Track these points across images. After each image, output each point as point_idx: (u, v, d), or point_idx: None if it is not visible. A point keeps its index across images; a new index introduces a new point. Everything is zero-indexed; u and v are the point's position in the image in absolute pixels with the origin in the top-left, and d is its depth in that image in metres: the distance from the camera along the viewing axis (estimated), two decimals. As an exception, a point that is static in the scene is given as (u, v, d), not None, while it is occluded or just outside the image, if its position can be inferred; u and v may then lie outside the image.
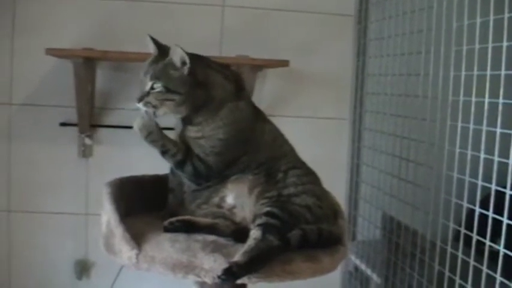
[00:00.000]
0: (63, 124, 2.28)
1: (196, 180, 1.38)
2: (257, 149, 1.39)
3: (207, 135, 1.35)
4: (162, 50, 1.36)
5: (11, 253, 2.34)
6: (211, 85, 1.35)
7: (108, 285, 2.24)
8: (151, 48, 1.38)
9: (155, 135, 1.34)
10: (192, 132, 1.36)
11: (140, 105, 1.32)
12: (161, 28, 2.24)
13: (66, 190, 2.34)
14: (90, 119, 2.27)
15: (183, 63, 1.30)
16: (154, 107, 1.32)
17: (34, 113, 2.28)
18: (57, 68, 2.24)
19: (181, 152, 1.35)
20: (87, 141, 2.30)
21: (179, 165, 1.36)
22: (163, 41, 1.40)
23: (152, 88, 1.31)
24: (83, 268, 2.36)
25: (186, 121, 1.37)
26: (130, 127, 2.17)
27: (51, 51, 2.01)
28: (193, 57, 1.32)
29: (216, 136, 1.35)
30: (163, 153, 1.35)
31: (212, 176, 1.37)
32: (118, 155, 2.32)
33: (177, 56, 1.30)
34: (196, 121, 1.35)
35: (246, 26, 2.36)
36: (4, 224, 2.32)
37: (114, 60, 2.25)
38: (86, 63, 2.13)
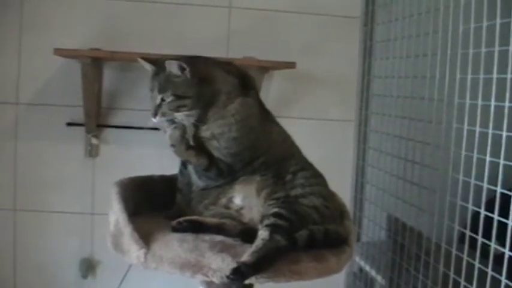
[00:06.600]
0: (70, 124, 2.29)
1: (221, 179, 1.40)
2: (267, 150, 1.40)
3: (216, 133, 1.35)
4: (158, 64, 1.37)
5: (17, 252, 2.34)
6: (213, 79, 1.35)
7: (114, 284, 2.24)
8: (147, 67, 1.39)
9: (178, 149, 1.37)
10: (202, 132, 1.36)
11: (156, 119, 1.34)
12: (168, 29, 2.25)
13: (73, 189, 2.34)
14: (97, 119, 2.28)
15: (182, 69, 1.31)
16: (168, 115, 1.33)
17: (41, 112, 2.29)
18: (64, 67, 2.25)
19: (205, 160, 1.37)
20: (94, 141, 2.30)
21: (206, 171, 1.39)
22: (170, 42, 1.41)
23: (163, 100, 1.33)
24: (88, 267, 2.36)
25: (197, 121, 1.37)
26: (137, 127, 2.23)
27: (59, 52, 2.00)
28: (189, 59, 1.33)
29: (228, 134, 1.35)
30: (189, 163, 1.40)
31: (234, 173, 1.39)
32: (124, 155, 2.32)
33: (174, 67, 1.31)
34: (205, 118, 1.35)
35: (252, 28, 2.36)
36: (10, 222, 2.32)
37: (122, 61, 2.25)
38: (93, 63, 2.12)
